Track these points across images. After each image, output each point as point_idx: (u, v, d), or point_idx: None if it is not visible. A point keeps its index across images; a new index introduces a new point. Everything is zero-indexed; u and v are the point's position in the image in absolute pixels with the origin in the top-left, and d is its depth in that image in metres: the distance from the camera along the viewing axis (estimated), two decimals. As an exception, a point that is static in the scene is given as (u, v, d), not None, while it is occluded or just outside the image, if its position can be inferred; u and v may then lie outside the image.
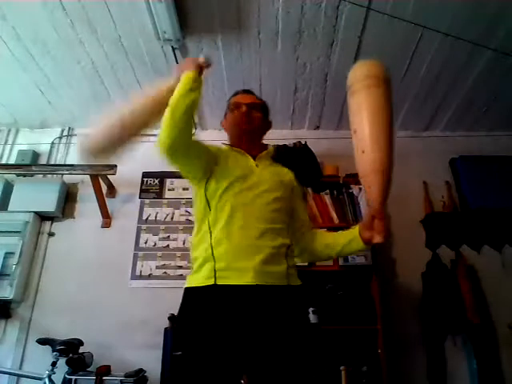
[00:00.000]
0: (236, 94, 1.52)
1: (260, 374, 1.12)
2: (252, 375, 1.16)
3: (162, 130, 1.19)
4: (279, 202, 1.30)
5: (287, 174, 1.45)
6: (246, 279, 1.15)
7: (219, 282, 1.15)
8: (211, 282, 1.16)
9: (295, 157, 2.68)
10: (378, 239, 1.17)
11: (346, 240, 1.30)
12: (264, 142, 1.52)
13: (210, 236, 1.23)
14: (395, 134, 1.19)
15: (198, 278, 1.21)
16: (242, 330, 1.12)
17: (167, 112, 1.18)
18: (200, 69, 1.30)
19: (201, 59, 1.29)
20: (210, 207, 1.28)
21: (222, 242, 1.21)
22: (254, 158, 1.39)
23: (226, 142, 1.48)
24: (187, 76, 1.23)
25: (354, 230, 1.28)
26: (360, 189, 2.65)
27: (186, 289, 1.24)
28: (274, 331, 1.12)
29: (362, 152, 1.15)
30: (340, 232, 1.38)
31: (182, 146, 1.23)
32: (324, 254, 1.39)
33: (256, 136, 1.46)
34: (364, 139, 1.15)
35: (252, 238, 1.20)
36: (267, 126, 1.52)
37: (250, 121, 1.41)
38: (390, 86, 1.21)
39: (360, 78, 1.21)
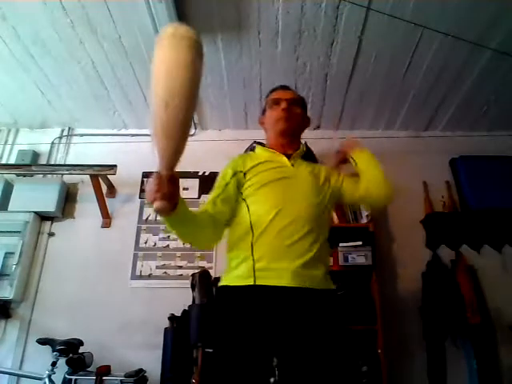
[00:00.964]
0: (274, 90, 1.50)
1: (291, 374, 1.12)
2: (282, 377, 1.15)
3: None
4: (318, 201, 1.30)
5: (320, 170, 1.43)
6: (285, 281, 1.14)
7: (258, 282, 1.15)
8: (251, 281, 1.15)
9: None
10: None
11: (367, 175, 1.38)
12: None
13: (252, 236, 1.22)
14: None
15: (236, 277, 1.20)
16: (279, 331, 1.12)
17: None
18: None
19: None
20: (248, 208, 1.27)
21: (262, 243, 1.20)
22: (289, 157, 1.38)
23: (262, 141, 1.48)
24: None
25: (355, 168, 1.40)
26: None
27: (223, 287, 1.24)
28: (309, 334, 1.12)
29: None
30: (358, 176, 1.40)
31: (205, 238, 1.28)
32: (374, 192, 1.37)
33: (296, 133, 1.45)
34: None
35: (293, 240, 1.19)
36: (307, 122, 1.52)
37: (290, 117, 1.40)
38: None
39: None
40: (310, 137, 3.07)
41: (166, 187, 0.99)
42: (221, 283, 1.26)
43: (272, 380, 1.15)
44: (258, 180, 1.29)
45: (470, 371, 2.47)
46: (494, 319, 2.57)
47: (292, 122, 1.40)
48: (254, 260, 1.18)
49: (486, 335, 2.50)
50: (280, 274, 1.15)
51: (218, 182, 1.35)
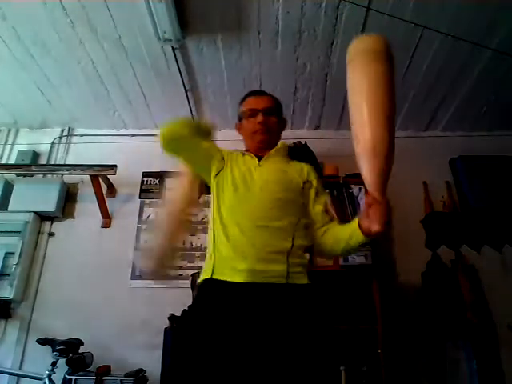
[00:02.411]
0: (248, 96, 1.53)
1: (248, 372, 1.09)
2: (240, 372, 1.11)
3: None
4: (280, 200, 1.28)
5: (298, 170, 1.41)
6: (240, 277, 1.15)
7: (214, 277, 1.18)
8: (209, 276, 1.20)
9: (295, 157, 2.67)
10: (375, 227, 1.08)
11: (347, 235, 1.22)
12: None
13: (214, 234, 1.27)
14: (396, 116, 1.13)
15: (202, 274, 1.25)
16: (231, 327, 1.11)
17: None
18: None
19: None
20: (213, 206, 1.33)
21: (220, 240, 1.24)
22: (260, 159, 1.40)
23: (241, 148, 1.49)
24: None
25: (354, 223, 1.19)
26: (360, 189, 2.65)
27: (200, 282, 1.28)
28: (262, 330, 1.10)
29: (362, 129, 1.08)
30: (342, 226, 1.29)
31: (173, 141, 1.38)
32: (332, 251, 1.33)
33: (273, 140, 1.47)
34: (363, 119, 1.08)
35: (248, 237, 1.20)
36: (283, 125, 1.54)
37: (267, 130, 1.42)
38: (393, 63, 1.13)
39: (360, 52, 1.15)
40: (310, 137, 3.09)
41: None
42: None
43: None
44: (228, 179, 1.33)
45: (470, 371, 2.47)
46: (494, 319, 2.57)
47: (269, 133, 1.43)
48: (215, 257, 1.22)
49: (486, 335, 2.50)
50: (234, 271, 1.16)
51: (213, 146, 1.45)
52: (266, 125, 1.41)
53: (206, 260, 1.28)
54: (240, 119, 1.52)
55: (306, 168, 1.43)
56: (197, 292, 1.25)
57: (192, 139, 1.38)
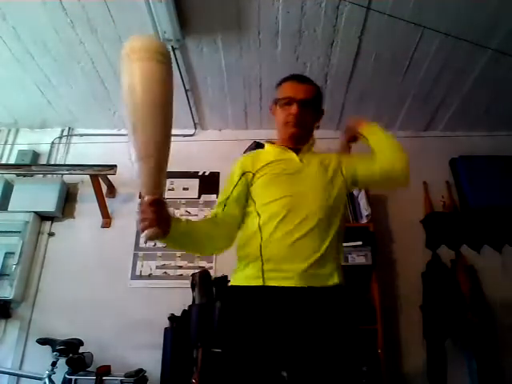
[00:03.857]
0: (288, 79, 1.40)
1: (298, 375, 1.11)
2: (291, 377, 1.13)
3: None
4: (330, 197, 1.26)
5: (331, 160, 1.37)
6: (292, 282, 1.14)
7: (267, 283, 1.14)
8: (259, 282, 1.14)
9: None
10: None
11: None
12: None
13: (261, 236, 1.20)
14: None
15: (245, 278, 1.19)
16: (286, 332, 1.11)
17: None
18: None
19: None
20: (256, 208, 1.25)
21: (271, 243, 1.18)
22: (298, 152, 1.35)
23: (261, 141, 1.46)
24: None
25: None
26: (360, 189, 2.65)
27: (232, 287, 1.23)
28: (316, 335, 1.11)
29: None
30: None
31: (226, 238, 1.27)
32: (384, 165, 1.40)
33: (306, 134, 1.40)
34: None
35: (301, 240, 1.17)
36: (319, 117, 1.45)
37: (299, 123, 1.34)
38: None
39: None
40: (310, 137, 3.09)
41: (151, 213, 0.98)
42: (230, 283, 1.26)
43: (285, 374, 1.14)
44: (266, 181, 1.27)
45: (470, 371, 2.47)
46: (494, 319, 2.57)
47: (301, 127, 1.35)
48: (262, 261, 1.16)
49: (486, 335, 2.50)
50: (288, 275, 1.14)
51: (227, 184, 1.33)
52: (299, 118, 1.32)
53: (247, 263, 1.21)
54: (275, 103, 1.40)
55: (333, 156, 1.41)
56: (242, 298, 1.17)
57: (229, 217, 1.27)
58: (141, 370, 2.30)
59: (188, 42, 2.41)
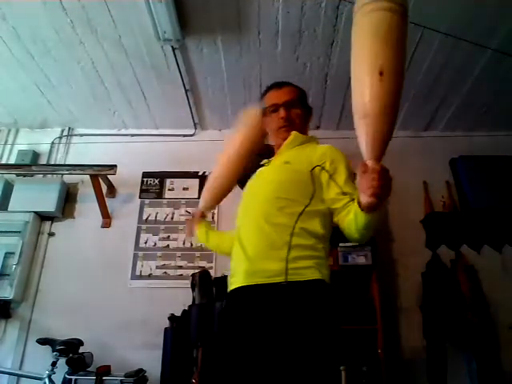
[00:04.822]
0: (268, 89, 1.44)
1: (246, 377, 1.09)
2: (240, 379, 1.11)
3: None
4: (278, 197, 1.21)
5: (308, 156, 1.26)
6: (239, 282, 1.17)
7: (230, 288, 1.22)
8: (229, 288, 1.24)
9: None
10: (365, 198, 0.93)
11: (353, 215, 1.06)
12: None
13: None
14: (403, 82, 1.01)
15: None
16: (238, 332, 1.12)
17: None
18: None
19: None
20: None
21: (234, 250, 1.28)
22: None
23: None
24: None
25: (355, 202, 1.05)
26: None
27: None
28: (260, 331, 1.08)
29: (354, 88, 0.97)
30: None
31: None
32: (351, 236, 1.15)
33: (300, 133, 1.39)
34: (355, 74, 0.98)
35: (245, 239, 1.22)
36: (308, 115, 1.44)
37: (290, 124, 1.35)
38: (406, 16, 1.08)
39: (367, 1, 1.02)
40: (310, 137, 3.09)
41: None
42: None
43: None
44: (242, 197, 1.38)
45: (470, 371, 2.47)
46: (494, 319, 2.57)
47: (293, 127, 1.36)
48: (231, 268, 1.26)
49: (486, 335, 2.50)
50: (237, 277, 1.19)
51: None
52: (288, 119, 1.34)
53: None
54: (264, 115, 1.43)
55: (320, 151, 1.28)
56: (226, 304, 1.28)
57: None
58: (141, 370, 2.30)
59: (188, 42, 2.41)
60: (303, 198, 1.20)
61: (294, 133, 1.35)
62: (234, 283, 1.20)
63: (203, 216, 1.61)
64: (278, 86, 1.43)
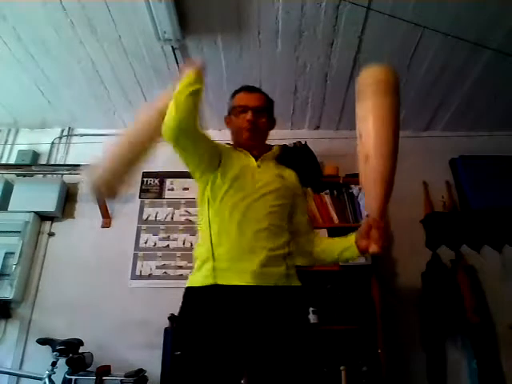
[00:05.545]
0: (240, 90, 1.47)
1: (259, 373, 1.13)
2: (251, 375, 1.16)
3: (167, 113, 1.21)
4: (279, 204, 1.31)
5: (290, 176, 1.44)
6: (246, 280, 1.16)
7: (219, 282, 1.16)
8: (211, 281, 1.17)
9: (295, 157, 2.68)
10: (374, 248, 1.13)
11: (342, 247, 1.29)
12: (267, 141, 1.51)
13: (210, 236, 1.24)
14: (399, 143, 1.16)
15: (199, 278, 1.22)
16: (241, 329, 1.12)
17: (172, 98, 1.21)
18: (200, 69, 1.27)
19: (199, 62, 1.29)
20: (209, 206, 1.29)
21: (221, 242, 1.22)
22: (257, 159, 1.39)
23: (230, 142, 1.47)
24: (189, 73, 1.24)
25: (351, 238, 1.25)
26: (360, 189, 2.65)
27: (187, 288, 1.26)
28: (272, 331, 1.13)
29: (366, 159, 1.13)
30: (337, 238, 1.36)
31: (187, 129, 1.21)
32: (320, 259, 1.39)
33: (260, 139, 1.44)
34: (368, 147, 1.14)
35: (250, 239, 1.21)
36: (272, 126, 1.49)
37: (255, 128, 1.38)
38: (399, 94, 1.19)
39: (369, 82, 1.21)
40: (310, 137, 3.09)
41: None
42: (186, 284, 1.28)
43: (242, 381, 1.19)
44: (225, 182, 1.29)
45: (470, 371, 2.47)
46: (494, 319, 2.57)
47: (256, 132, 1.39)
48: (214, 260, 1.20)
49: (486, 335, 2.50)
50: (240, 274, 1.17)
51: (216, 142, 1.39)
52: (254, 124, 1.38)
53: (200, 263, 1.24)
54: (229, 113, 1.47)
55: (293, 175, 1.46)
56: (196, 298, 1.22)
57: (200, 134, 1.27)
58: (141, 370, 2.30)
59: (188, 42, 2.41)
60: (287, 214, 1.35)
61: (277, 147, 1.48)
62: (233, 279, 1.17)
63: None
64: (249, 89, 1.47)
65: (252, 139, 1.40)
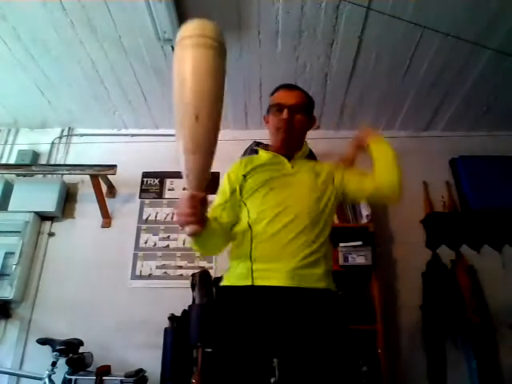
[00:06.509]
0: (279, 88, 1.44)
1: (289, 374, 1.12)
2: (281, 376, 1.15)
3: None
4: (319, 202, 1.28)
5: (323, 168, 1.39)
6: (282, 281, 1.15)
7: (256, 283, 1.16)
8: (249, 282, 1.16)
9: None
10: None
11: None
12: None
13: (251, 237, 1.22)
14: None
15: (236, 278, 1.22)
16: (276, 331, 1.12)
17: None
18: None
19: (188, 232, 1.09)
20: (248, 209, 1.28)
21: (260, 244, 1.21)
22: (290, 159, 1.38)
23: (262, 141, 1.51)
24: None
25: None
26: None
27: (223, 287, 1.26)
28: (306, 334, 1.12)
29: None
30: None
31: (215, 252, 1.35)
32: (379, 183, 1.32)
33: (297, 140, 1.41)
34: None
35: (290, 240, 1.19)
36: (311, 124, 1.46)
37: (291, 127, 1.35)
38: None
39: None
40: (309, 137, 3.08)
41: (200, 210, 1.02)
42: (222, 283, 1.28)
43: (272, 380, 1.15)
44: (256, 182, 1.30)
45: (470, 371, 2.47)
46: (494, 319, 2.57)
47: (292, 132, 1.36)
48: (251, 261, 1.19)
49: (486, 335, 2.50)
50: (277, 274, 1.16)
51: (221, 188, 1.36)
52: (289, 123, 1.34)
53: (237, 263, 1.24)
54: (268, 112, 1.45)
55: (326, 165, 1.42)
56: (231, 298, 1.20)
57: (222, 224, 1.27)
58: (141, 370, 2.30)
59: (188, 42, 2.41)
60: (327, 214, 1.30)
61: (306, 145, 1.44)
62: (269, 280, 1.16)
63: (204, 200, 1.08)
64: (289, 87, 1.43)
65: (287, 140, 1.37)
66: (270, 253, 1.19)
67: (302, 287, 1.15)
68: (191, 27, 1.10)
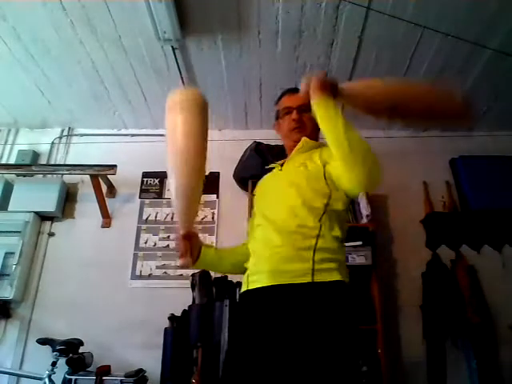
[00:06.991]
0: (282, 95, 1.49)
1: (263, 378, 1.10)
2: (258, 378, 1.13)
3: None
4: (299, 200, 1.22)
5: (318, 156, 1.29)
6: (264, 281, 1.16)
7: (250, 287, 1.22)
8: (245, 287, 1.24)
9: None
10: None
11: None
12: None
13: (248, 246, 1.34)
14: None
15: (243, 284, 1.30)
16: (254, 332, 1.13)
17: None
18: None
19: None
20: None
21: (251, 251, 1.29)
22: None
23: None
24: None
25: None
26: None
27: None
28: (273, 335, 1.09)
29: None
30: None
31: None
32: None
33: (311, 138, 1.41)
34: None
35: (268, 241, 1.22)
36: None
37: (302, 127, 1.39)
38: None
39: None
40: (310, 137, 3.09)
41: (184, 245, 1.19)
42: None
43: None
44: (256, 194, 1.44)
45: (470, 371, 2.47)
46: (494, 319, 2.57)
47: (304, 130, 1.40)
48: (248, 268, 1.27)
49: (486, 335, 2.50)
50: (260, 276, 1.19)
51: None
52: (300, 122, 1.39)
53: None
54: (276, 118, 1.50)
55: (318, 151, 1.32)
56: (238, 303, 1.32)
57: None
58: (141, 370, 2.30)
59: (188, 42, 2.41)
60: (322, 198, 1.23)
61: (303, 139, 1.39)
62: (254, 282, 1.19)
63: (191, 236, 1.22)
64: (292, 91, 1.46)
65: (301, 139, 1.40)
66: (257, 258, 1.25)
67: (280, 284, 1.13)
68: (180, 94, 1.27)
